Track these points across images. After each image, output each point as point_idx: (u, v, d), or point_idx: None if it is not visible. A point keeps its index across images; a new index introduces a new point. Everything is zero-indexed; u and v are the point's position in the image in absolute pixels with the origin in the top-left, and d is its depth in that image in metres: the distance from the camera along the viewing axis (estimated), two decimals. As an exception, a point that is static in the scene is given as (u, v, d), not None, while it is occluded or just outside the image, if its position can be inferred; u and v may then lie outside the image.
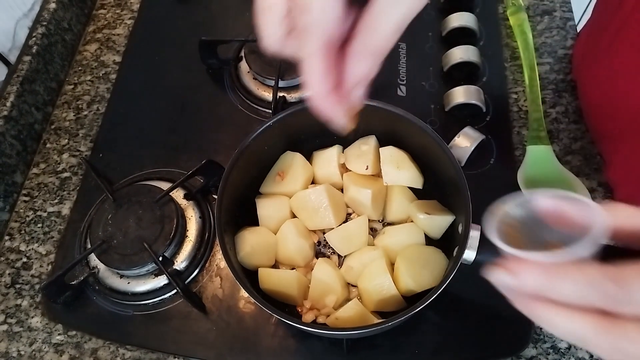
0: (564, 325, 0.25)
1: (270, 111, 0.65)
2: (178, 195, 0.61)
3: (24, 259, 0.61)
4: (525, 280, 0.25)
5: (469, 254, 0.45)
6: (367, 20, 0.28)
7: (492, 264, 0.27)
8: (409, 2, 0.28)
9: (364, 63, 0.28)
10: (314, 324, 0.50)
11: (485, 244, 0.44)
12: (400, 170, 0.54)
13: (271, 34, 0.30)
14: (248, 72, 0.70)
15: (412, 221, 0.54)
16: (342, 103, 0.29)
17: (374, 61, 0.28)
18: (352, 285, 0.53)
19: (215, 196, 0.61)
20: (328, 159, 0.57)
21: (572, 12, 0.74)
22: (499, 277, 0.26)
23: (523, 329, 0.53)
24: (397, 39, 0.29)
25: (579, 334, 0.24)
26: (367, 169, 0.55)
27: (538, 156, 0.61)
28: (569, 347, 0.52)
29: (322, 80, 0.28)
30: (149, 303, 0.56)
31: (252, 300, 0.45)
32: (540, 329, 0.53)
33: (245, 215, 0.55)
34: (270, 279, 0.51)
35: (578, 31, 0.72)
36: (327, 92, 0.29)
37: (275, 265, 0.54)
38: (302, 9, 0.27)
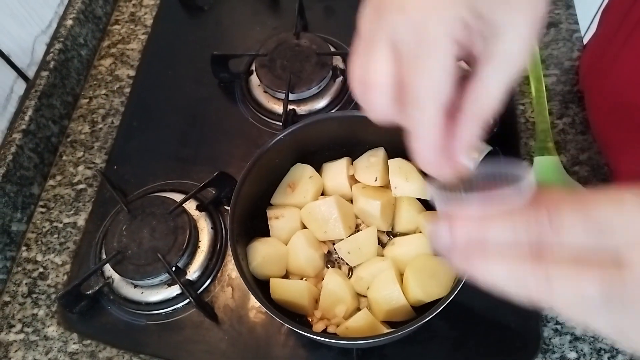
0: (500, 273, 0.24)
1: (281, 124, 0.66)
2: (190, 206, 0.62)
3: (41, 269, 0.62)
4: (459, 232, 0.25)
5: (477, 265, 0.45)
6: (477, 85, 0.27)
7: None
8: (512, 66, 0.27)
9: (474, 127, 0.28)
10: (324, 333, 0.51)
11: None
12: (408, 181, 0.54)
13: (379, 110, 0.28)
14: (259, 85, 0.72)
15: (420, 232, 0.55)
16: (450, 165, 0.29)
17: (483, 124, 0.28)
18: (362, 296, 0.54)
19: (227, 207, 0.63)
20: (337, 170, 0.58)
21: (578, 24, 0.75)
22: (435, 234, 0.26)
23: (532, 339, 0.53)
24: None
25: (513, 281, 0.24)
26: (376, 180, 0.56)
27: (545, 167, 0.61)
28: (578, 357, 0.52)
29: (435, 148, 0.28)
30: (162, 312, 0.57)
31: (264, 309, 0.46)
32: (550, 339, 0.53)
33: (256, 226, 0.56)
34: (281, 289, 0.52)
35: (584, 43, 0.73)
36: (438, 159, 0.28)
37: (286, 276, 0.55)
38: (413, 78, 0.26)
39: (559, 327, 0.54)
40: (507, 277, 0.24)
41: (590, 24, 1.14)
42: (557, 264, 0.22)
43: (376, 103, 0.28)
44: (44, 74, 0.71)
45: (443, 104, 0.27)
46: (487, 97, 0.27)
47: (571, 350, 0.53)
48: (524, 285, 0.24)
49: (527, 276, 0.23)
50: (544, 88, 0.67)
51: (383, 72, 0.27)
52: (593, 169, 0.63)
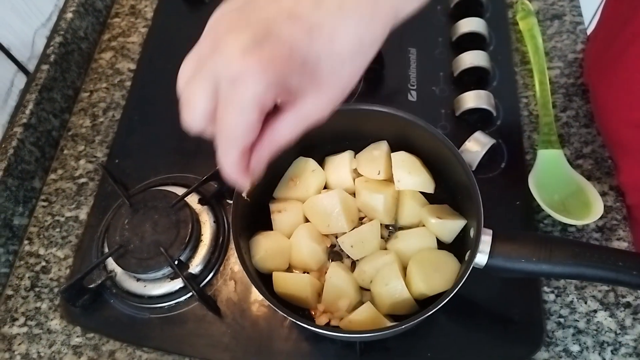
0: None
1: (283, 117, 0.66)
2: (193, 200, 0.62)
3: (43, 263, 0.62)
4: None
5: (481, 258, 0.45)
6: (275, 125, 0.33)
7: None
8: (306, 122, 0.33)
9: (264, 155, 0.35)
10: (327, 326, 0.51)
11: (497, 248, 0.45)
12: (411, 175, 0.54)
13: (192, 122, 0.33)
14: (260, 78, 0.71)
15: (423, 225, 0.55)
16: (244, 178, 0.35)
17: (272, 154, 0.35)
18: (365, 289, 0.54)
19: (229, 201, 0.62)
20: (340, 164, 0.57)
21: (582, 16, 0.74)
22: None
23: (535, 333, 0.53)
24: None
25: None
26: (379, 174, 0.56)
27: (549, 160, 0.61)
28: (581, 350, 0.52)
29: (235, 168, 0.34)
30: (164, 306, 0.57)
31: (267, 303, 0.46)
32: (553, 332, 0.53)
33: (259, 220, 0.56)
34: (284, 282, 0.52)
35: (587, 34, 0.72)
36: (239, 174, 0.34)
37: (289, 269, 0.55)
38: (221, 117, 0.32)
39: (562, 320, 0.54)
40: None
41: (594, 16, 1.13)
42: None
43: (192, 117, 0.33)
44: (45, 67, 0.70)
45: (240, 144, 0.32)
46: (280, 136, 0.33)
47: (574, 343, 0.53)
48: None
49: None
50: (548, 81, 0.66)
51: (202, 100, 0.32)
52: (597, 162, 0.63)
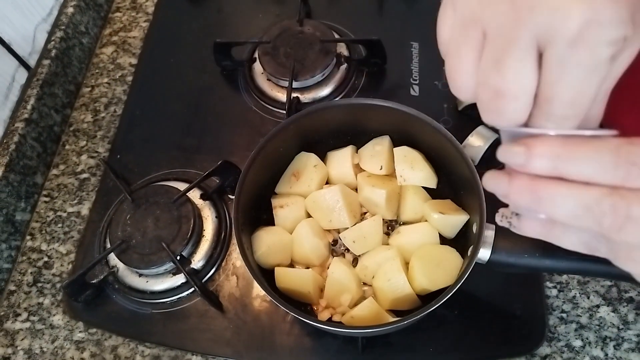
0: (570, 201, 0.24)
1: (284, 112, 0.66)
2: (194, 195, 0.62)
3: (45, 258, 0.62)
4: (541, 152, 0.24)
5: (484, 253, 0.45)
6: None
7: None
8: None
9: None
10: (329, 322, 0.51)
11: (500, 243, 0.45)
12: (414, 170, 0.54)
13: (509, 119, 0.25)
14: (262, 73, 0.71)
15: (426, 221, 0.55)
16: None
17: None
18: (367, 284, 0.54)
19: (231, 196, 0.62)
20: (342, 159, 0.57)
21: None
22: (509, 154, 0.25)
23: (537, 328, 0.53)
24: None
25: (583, 206, 0.23)
26: (381, 169, 0.55)
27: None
28: (584, 345, 0.52)
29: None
30: (167, 301, 0.57)
31: (269, 298, 0.46)
32: (555, 327, 0.53)
33: (261, 215, 0.56)
34: (286, 277, 0.52)
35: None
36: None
37: (291, 265, 0.55)
38: (559, 91, 0.24)
39: (564, 315, 0.54)
40: (578, 203, 0.23)
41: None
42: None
43: (507, 112, 0.25)
44: (46, 62, 0.70)
45: (580, 116, 0.24)
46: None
47: (576, 339, 0.53)
48: (597, 215, 0.23)
49: (603, 207, 0.23)
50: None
51: (525, 83, 0.24)
52: (600, 156, 0.62)
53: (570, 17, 0.22)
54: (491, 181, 0.27)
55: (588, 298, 0.54)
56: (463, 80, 0.27)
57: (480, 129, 0.61)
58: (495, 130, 0.61)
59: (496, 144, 0.61)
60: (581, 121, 0.25)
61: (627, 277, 0.44)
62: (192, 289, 0.57)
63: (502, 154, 0.26)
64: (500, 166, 0.29)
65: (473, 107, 0.67)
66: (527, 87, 0.24)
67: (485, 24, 0.25)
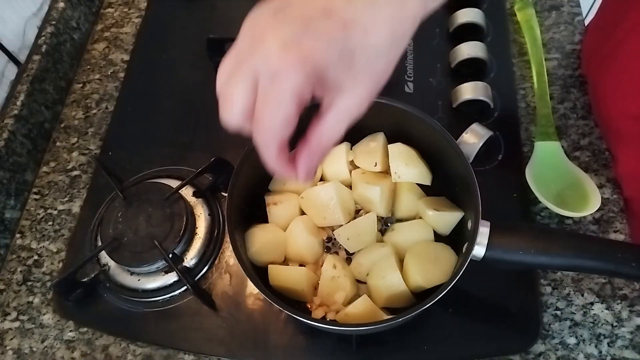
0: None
1: (278, 109, 0.65)
2: (187, 192, 0.61)
3: (35, 257, 0.62)
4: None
5: (479, 250, 0.45)
6: (319, 126, 0.33)
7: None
8: (348, 116, 0.33)
9: (313, 157, 0.34)
10: (323, 320, 0.50)
11: (494, 240, 0.45)
12: (408, 166, 0.54)
13: (230, 118, 0.33)
14: (255, 69, 0.70)
15: (420, 218, 0.54)
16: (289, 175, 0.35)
17: (321, 156, 0.35)
18: (361, 282, 0.53)
19: (224, 194, 0.62)
20: (336, 156, 0.57)
21: (580, 7, 0.74)
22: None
23: (531, 325, 0.53)
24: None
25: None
26: (375, 165, 0.55)
27: (546, 152, 0.60)
28: (578, 342, 0.52)
29: (276, 161, 0.34)
30: (159, 300, 0.57)
31: (263, 296, 0.45)
32: (549, 324, 0.53)
33: (254, 213, 0.55)
34: (280, 275, 0.51)
35: (586, 25, 0.72)
36: (281, 167, 0.34)
37: (285, 262, 0.55)
38: (260, 112, 0.32)
39: (558, 312, 0.54)
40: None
41: (592, 7, 1.12)
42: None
43: (231, 114, 0.33)
44: (36, 58, 0.69)
45: (279, 138, 0.32)
46: (325, 136, 0.33)
47: (571, 336, 0.52)
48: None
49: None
50: (545, 72, 0.66)
51: (242, 96, 0.32)
52: (594, 154, 0.62)
53: (270, 63, 0.30)
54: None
55: (582, 295, 0.54)
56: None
57: (474, 126, 0.61)
58: (489, 127, 0.61)
59: (490, 141, 0.61)
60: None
61: (623, 274, 0.45)
62: (185, 287, 0.56)
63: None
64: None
65: (468, 104, 0.68)
66: (240, 99, 0.32)
67: (239, 45, 0.34)
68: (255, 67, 0.31)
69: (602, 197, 0.57)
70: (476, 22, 0.69)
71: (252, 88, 0.32)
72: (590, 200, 0.55)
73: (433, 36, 0.72)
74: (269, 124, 0.32)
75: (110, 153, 0.68)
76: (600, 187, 0.60)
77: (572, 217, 0.58)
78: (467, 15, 0.69)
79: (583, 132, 0.64)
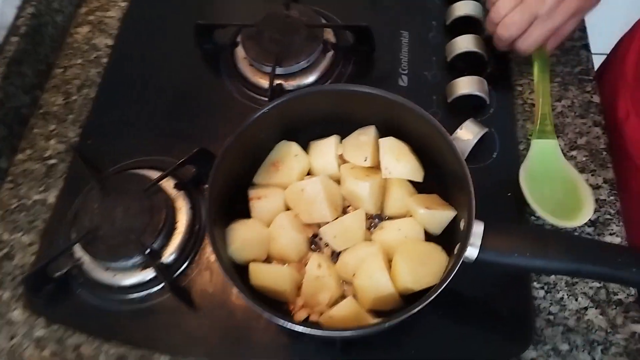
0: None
1: (267, 99, 0.63)
2: (168, 184, 0.59)
3: (7, 249, 0.59)
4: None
5: (471, 252, 0.43)
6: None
7: None
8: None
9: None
10: (305, 323, 0.48)
11: (488, 241, 0.43)
12: (400, 162, 0.52)
13: (506, 37, 0.59)
14: (244, 58, 0.68)
15: (411, 216, 0.52)
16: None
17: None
18: (347, 282, 0.51)
19: (207, 186, 0.59)
20: (325, 149, 0.55)
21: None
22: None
23: (523, 330, 0.51)
24: None
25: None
26: (365, 160, 0.53)
27: (543, 150, 0.58)
28: (571, 349, 0.51)
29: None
30: (135, 297, 0.54)
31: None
32: (542, 330, 0.51)
33: (237, 207, 0.53)
34: (261, 274, 0.49)
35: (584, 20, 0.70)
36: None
37: (268, 260, 0.52)
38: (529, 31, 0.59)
39: (551, 317, 0.52)
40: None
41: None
42: None
43: (510, 33, 0.59)
44: (14, 39, 0.66)
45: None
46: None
47: (563, 342, 0.51)
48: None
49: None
50: (548, 68, 0.63)
51: (524, 23, 0.58)
52: (591, 153, 0.61)
53: (547, 5, 0.58)
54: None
55: (576, 300, 0.53)
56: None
57: (469, 122, 0.59)
58: (484, 124, 0.59)
59: (485, 138, 0.59)
60: None
61: (622, 279, 0.43)
62: (163, 284, 0.53)
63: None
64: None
65: (463, 99, 0.66)
66: (522, 25, 0.58)
67: None
68: (536, 9, 0.56)
69: (598, 199, 0.56)
70: (474, 15, 0.67)
71: (529, 20, 0.57)
72: (582, 208, 0.53)
73: (429, 29, 0.70)
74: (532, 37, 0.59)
75: (89, 142, 0.65)
76: (596, 188, 0.58)
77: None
78: (465, 7, 0.67)
79: (580, 130, 0.62)
